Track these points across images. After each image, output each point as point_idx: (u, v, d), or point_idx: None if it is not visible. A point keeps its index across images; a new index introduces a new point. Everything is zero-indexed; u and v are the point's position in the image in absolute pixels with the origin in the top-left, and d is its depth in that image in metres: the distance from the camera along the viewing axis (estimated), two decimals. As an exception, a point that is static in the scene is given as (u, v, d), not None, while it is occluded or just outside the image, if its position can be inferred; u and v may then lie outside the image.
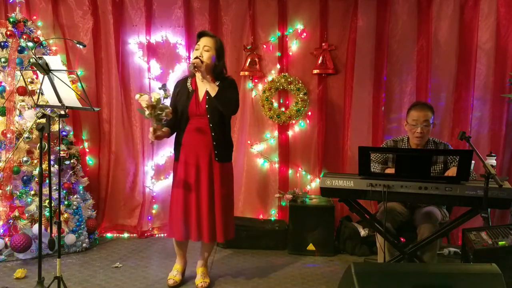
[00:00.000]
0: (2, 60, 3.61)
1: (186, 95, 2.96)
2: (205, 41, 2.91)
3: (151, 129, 2.81)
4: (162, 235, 4.22)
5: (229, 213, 3.06)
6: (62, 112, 2.64)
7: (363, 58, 4.06)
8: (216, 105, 2.87)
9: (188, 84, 3.00)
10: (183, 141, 2.97)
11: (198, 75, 2.87)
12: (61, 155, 3.27)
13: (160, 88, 2.81)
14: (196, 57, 2.84)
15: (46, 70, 2.46)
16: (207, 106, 2.91)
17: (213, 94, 2.82)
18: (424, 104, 3.17)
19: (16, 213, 3.47)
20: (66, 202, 3.65)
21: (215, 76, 2.96)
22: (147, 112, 2.70)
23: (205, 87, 2.90)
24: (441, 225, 2.95)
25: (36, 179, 3.53)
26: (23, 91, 3.61)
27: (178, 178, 3.00)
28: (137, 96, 2.74)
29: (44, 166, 2.92)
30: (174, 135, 3.07)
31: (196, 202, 2.94)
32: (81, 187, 3.88)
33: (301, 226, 3.78)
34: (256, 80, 4.18)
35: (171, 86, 3.25)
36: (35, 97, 3.41)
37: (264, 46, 4.15)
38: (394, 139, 3.29)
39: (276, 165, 4.23)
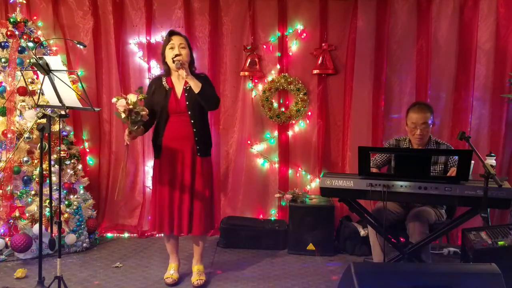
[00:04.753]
0: (3, 60, 3.61)
1: (163, 94, 2.98)
2: (179, 40, 2.94)
3: (126, 131, 2.80)
4: (162, 235, 4.21)
5: (212, 206, 3.14)
6: (63, 112, 2.65)
7: (363, 58, 4.06)
8: (196, 101, 2.91)
9: (163, 83, 3.01)
10: (164, 139, 3.00)
11: (181, 73, 2.86)
12: (61, 155, 3.28)
13: (136, 91, 2.80)
14: (177, 55, 2.85)
15: (46, 70, 2.47)
16: (187, 102, 2.94)
17: (197, 90, 2.84)
18: (422, 105, 3.16)
19: (17, 213, 3.47)
20: (66, 202, 3.66)
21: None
22: (123, 116, 2.68)
23: (181, 85, 2.96)
24: (436, 225, 2.96)
25: (37, 179, 3.53)
26: (23, 91, 3.61)
27: (162, 175, 3.02)
28: (114, 99, 2.71)
29: (45, 166, 2.92)
30: (152, 134, 3.08)
31: (180, 197, 2.98)
32: (81, 187, 3.88)
33: (301, 226, 3.78)
34: (256, 80, 4.18)
35: None
36: (36, 97, 3.41)
37: (264, 47, 4.15)
38: (397, 138, 3.30)
39: (276, 165, 4.24)
